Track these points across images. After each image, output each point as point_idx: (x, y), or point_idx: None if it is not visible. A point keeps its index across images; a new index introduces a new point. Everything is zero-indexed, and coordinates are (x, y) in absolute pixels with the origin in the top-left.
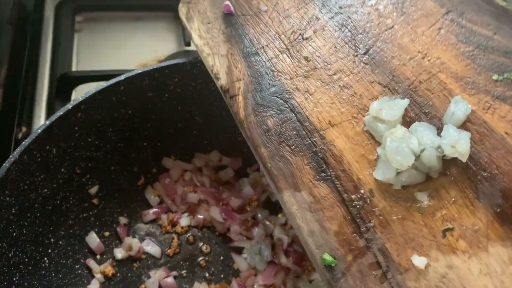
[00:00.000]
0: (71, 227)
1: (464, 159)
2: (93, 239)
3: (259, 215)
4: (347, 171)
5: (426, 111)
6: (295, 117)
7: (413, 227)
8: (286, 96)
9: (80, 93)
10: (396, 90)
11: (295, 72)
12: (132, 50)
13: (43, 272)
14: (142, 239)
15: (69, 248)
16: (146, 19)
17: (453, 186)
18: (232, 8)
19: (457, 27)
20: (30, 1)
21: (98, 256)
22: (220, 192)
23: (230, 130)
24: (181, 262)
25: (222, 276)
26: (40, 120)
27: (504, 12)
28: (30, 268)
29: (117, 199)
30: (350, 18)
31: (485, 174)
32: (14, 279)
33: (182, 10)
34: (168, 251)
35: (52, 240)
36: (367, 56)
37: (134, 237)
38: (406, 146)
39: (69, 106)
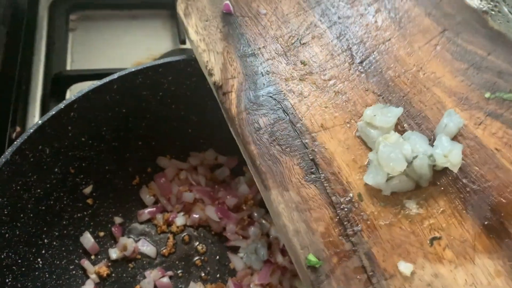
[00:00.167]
0: (65, 228)
1: (455, 169)
2: (87, 240)
3: (255, 214)
4: (336, 174)
5: (419, 122)
6: (287, 118)
7: (400, 233)
8: (280, 97)
9: (75, 92)
10: (390, 100)
11: (291, 74)
12: (127, 48)
13: (36, 273)
14: (137, 239)
15: (63, 248)
16: (141, 17)
17: (442, 196)
18: (231, 8)
19: (452, 45)
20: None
21: (92, 257)
22: (215, 191)
23: (225, 129)
24: (177, 262)
25: (218, 275)
26: (34, 120)
27: (499, 36)
28: (24, 269)
29: (112, 199)
30: (348, 28)
31: (474, 187)
32: (7, 280)
33: (180, 5)
34: (164, 251)
35: (45, 240)
36: (363, 65)
37: (129, 237)
38: (399, 152)
39: (61, 105)
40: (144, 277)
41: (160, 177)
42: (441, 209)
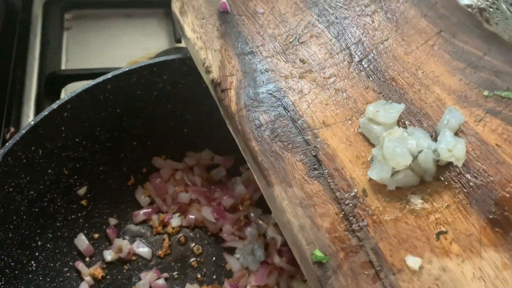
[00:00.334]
0: (59, 229)
1: (460, 163)
2: (82, 241)
3: (252, 214)
4: (340, 170)
5: (420, 119)
6: (288, 115)
7: (406, 228)
8: (280, 94)
9: (70, 92)
10: (390, 98)
11: (290, 72)
12: (123, 47)
13: (30, 276)
14: (132, 241)
15: (57, 250)
16: (137, 16)
17: (446, 191)
18: (228, 7)
19: (449, 46)
20: None
21: (87, 259)
22: (212, 192)
23: (222, 128)
24: (173, 263)
25: (214, 277)
26: (29, 120)
27: (493, 37)
28: (17, 272)
29: (107, 200)
30: (345, 28)
31: (478, 182)
32: (0, 283)
33: (176, 4)
34: (159, 252)
35: (39, 243)
36: (362, 64)
37: (124, 238)
38: (404, 147)
39: (54, 105)
40: (140, 279)
41: (156, 177)
42: (446, 203)
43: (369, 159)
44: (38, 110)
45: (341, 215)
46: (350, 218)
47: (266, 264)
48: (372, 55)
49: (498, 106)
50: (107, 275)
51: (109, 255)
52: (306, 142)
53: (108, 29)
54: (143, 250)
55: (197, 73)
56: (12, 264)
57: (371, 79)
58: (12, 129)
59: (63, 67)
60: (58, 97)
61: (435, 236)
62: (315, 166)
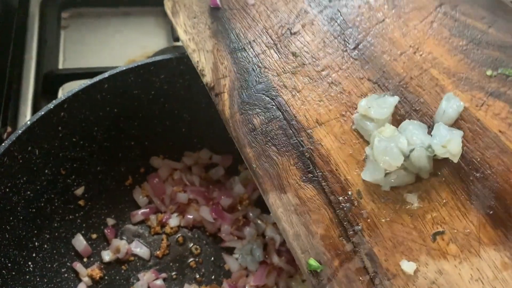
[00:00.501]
0: (57, 230)
1: (455, 159)
2: (79, 242)
3: (251, 214)
4: (334, 171)
5: (417, 108)
6: (281, 116)
7: (402, 230)
8: (273, 93)
9: (67, 91)
10: (386, 87)
11: (283, 68)
12: (120, 46)
13: (27, 277)
14: (130, 241)
15: (54, 251)
16: (134, 14)
17: (444, 188)
18: (218, 2)
19: (450, 20)
20: None
21: (85, 259)
22: (210, 191)
23: (220, 127)
24: (171, 264)
25: (213, 277)
26: (26, 120)
27: (499, 4)
28: (14, 273)
29: (104, 200)
30: (339, 11)
31: (478, 175)
32: None
33: (167, 4)
34: (157, 252)
35: (36, 243)
36: (356, 51)
37: (122, 238)
38: (395, 146)
39: (51, 105)
40: (138, 280)
41: (154, 177)
42: (444, 201)
43: (364, 157)
44: (35, 110)
45: (336, 221)
46: (345, 223)
47: (265, 264)
48: (367, 40)
49: (502, 86)
50: (105, 275)
51: (107, 256)
52: (300, 143)
53: (106, 28)
54: (141, 250)
55: (195, 72)
56: (9, 265)
57: (365, 67)
58: (8, 129)
59: (60, 66)
60: (55, 96)
61: (431, 237)
62: (309, 169)
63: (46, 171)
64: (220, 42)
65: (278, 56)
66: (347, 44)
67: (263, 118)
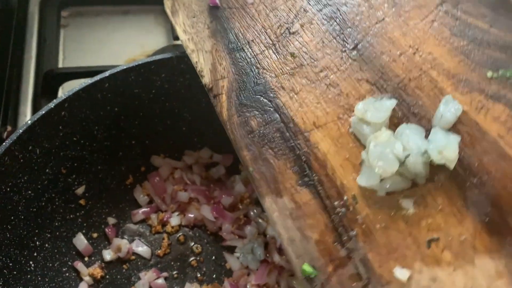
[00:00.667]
0: (58, 229)
1: (451, 165)
2: (80, 241)
3: (252, 213)
4: (330, 176)
5: (415, 111)
6: (279, 118)
7: (397, 236)
8: (271, 95)
9: (67, 90)
10: (385, 89)
11: (281, 69)
12: (120, 45)
13: (28, 276)
14: (131, 240)
15: (55, 250)
16: (134, 12)
17: (440, 193)
18: (217, 1)
19: (451, 19)
20: None
21: (86, 258)
22: (211, 190)
23: (220, 126)
24: (172, 263)
25: (214, 276)
26: (26, 119)
27: (502, 3)
28: (15, 272)
29: (105, 199)
30: (339, 10)
31: (475, 181)
32: None
33: (167, 3)
34: (158, 251)
35: (37, 243)
36: (355, 51)
37: (123, 238)
38: (390, 152)
39: (51, 104)
40: (139, 279)
41: (154, 176)
42: (440, 207)
43: (360, 161)
44: (35, 109)
45: (330, 226)
46: (339, 229)
47: (266, 263)
48: (367, 39)
49: (503, 88)
50: (106, 275)
51: (108, 255)
52: (297, 147)
53: (105, 27)
54: (142, 249)
55: (195, 71)
56: (10, 264)
57: (364, 68)
58: (9, 128)
59: (60, 65)
60: (55, 95)
61: (426, 244)
62: (305, 173)
63: (47, 170)
64: (219, 42)
65: (277, 57)
66: (346, 44)
67: (261, 120)
